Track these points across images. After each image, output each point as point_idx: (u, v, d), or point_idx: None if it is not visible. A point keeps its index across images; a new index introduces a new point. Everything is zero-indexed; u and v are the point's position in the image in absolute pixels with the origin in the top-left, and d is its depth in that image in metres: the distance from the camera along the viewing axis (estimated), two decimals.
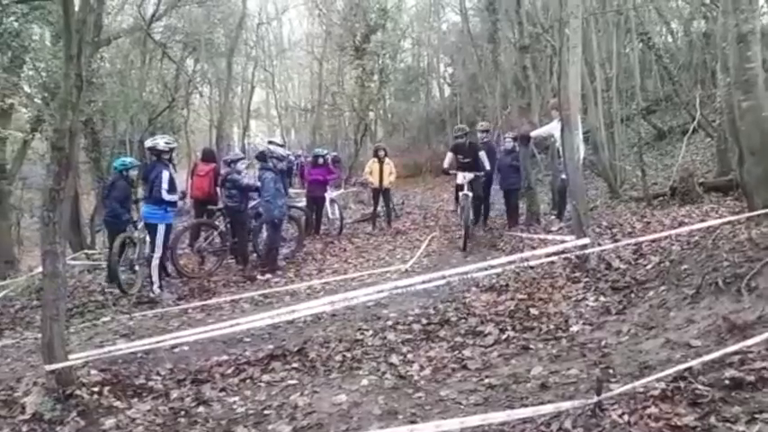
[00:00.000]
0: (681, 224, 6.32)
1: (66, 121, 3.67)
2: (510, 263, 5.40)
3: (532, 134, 9.52)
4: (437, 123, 24.03)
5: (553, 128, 8.59)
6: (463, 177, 9.03)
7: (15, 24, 12.19)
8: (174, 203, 7.48)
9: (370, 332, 4.79)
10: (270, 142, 9.20)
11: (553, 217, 9.33)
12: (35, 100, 13.88)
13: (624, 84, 12.74)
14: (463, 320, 4.79)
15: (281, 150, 8.80)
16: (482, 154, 9.27)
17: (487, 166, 9.28)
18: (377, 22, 19.87)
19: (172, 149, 7.62)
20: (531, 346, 4.05)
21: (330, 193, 11.32)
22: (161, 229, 7.34)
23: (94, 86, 13.06)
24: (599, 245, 5.66)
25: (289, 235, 9.60)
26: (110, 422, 3.57)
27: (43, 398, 3.75)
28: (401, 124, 27.19)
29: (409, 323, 4.91)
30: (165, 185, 7.25)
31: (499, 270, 5.51)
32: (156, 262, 7.33)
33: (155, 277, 7.32)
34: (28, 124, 15.45)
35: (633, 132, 12.20)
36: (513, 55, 14.02)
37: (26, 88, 13.86)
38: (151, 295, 7.16)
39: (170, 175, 7.37)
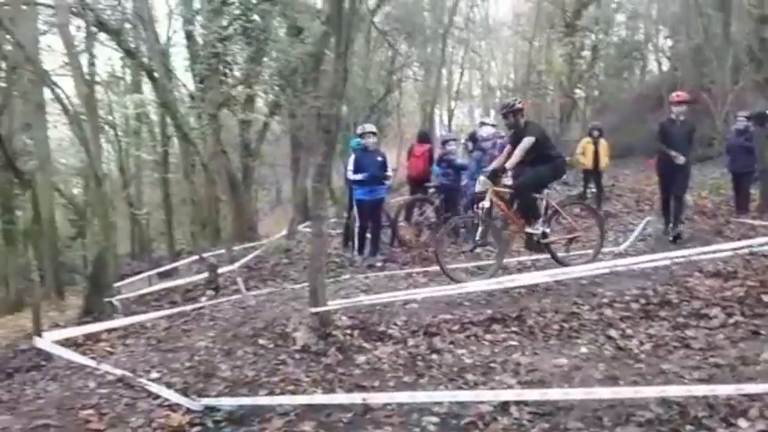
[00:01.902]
0: None
1: (333, 108, 4.42)
2: (739, 248, 5.18)
3: None
4: (653, 100, 22.41)
5: None
6: (479, 183, 6.62)
7: (260, 20, 14.03)
8: (356, 182, 8.23)
9: (587, 307, 4.97)
10: (482, 123, 9.63)
11: None
12: (274, 87, 15.82)
13: None
14: (685, 303, 4.76)
15: (485, 130, 9.19)
16: (527, 140, 6.37)
17: (516, 158, 6.37)
18: None
19: (361, 134, 8.47)
20: (763, 332, 3.96)
21: None
22: (355, 202, 8.34)
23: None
24: None
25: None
26: (361, 359, 4.29)
27: (309, 334, 4.61)
28: (611, 102, 25.85)
29: (626, 302, 4.99)
30: (349, 167, 8.28)
31: (726, 255, 5.30)
32: (354, 230, 8.41)
33: (355, 242, 8.39)
34: (266, 108, 17.74)
35: None
36: (747, 24, 12.64)
37: (265, 76, 15.88)
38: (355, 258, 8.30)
39: (355, 158, 8.24)
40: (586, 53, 20.20)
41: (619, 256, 7.20)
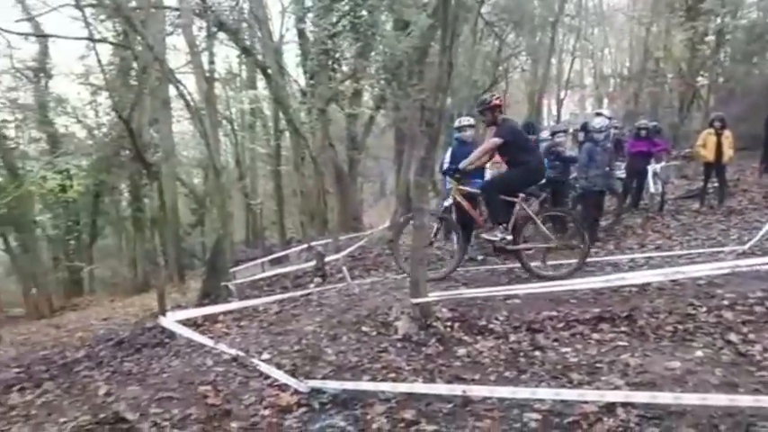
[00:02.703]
0: None
1: (437, 102, 4.44)
2: None
3: None
4: None
5: None
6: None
7: (368, 15, 14.27)
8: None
9: (704, 309, 4.68)
10: (597, 114, 9.28)
11: None
12: (380, 81, 16.06)
13: None
14: None
15: (598, 121, 8.81)
16: (492, 142, 6.27)
17: (472, 158, 6.41)
18: None
19: (459, 127, 8.25)
20: None
21: (653, 166, 10.79)
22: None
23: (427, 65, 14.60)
24: None
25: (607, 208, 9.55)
26: (462, 351, 4.31)
27: (410, 324, 4.70)
28: (738, 89, 23.87)
29: (750, 305, 4.64)
30: (446, 158, 8.02)
31: None
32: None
33: (450, 234, 8.22)
34: (372, 102, 18.07)
35: None
36: None
37: (371, 71, 16.16)
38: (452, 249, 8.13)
39: (452, 150, 8.10)
40: (710, 38, 18.77)
41: (743, 255, 6.68)
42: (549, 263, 6.53)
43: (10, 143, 19.49)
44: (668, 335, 4.29)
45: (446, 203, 6.43)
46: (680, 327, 4.38)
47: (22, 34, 14.40)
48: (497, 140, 6.08)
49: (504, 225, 6.19)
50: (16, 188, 14.98)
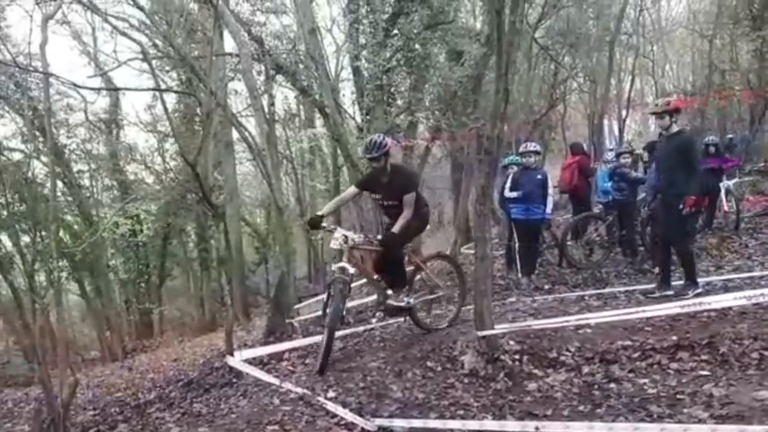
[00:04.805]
0: None
1: (495, 130, 4.40)
2: None
3: None
4: None
5: None
6: (343, 239, 5.22)
7: (421, 49, 14.43)
8: (512, 200, 8.13)
9: None
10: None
11: None
12: (434, 112, 16.13)
13: None
14: None
15: None
16: (410, 199, 5.30)
17: (405, 222, 5.27)
18: None
19: (522, 153, 8.35)
20: None
21: (726, 183, 10.29)
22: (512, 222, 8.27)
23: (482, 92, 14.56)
24: None
25: None
26: (532, 386, 4.16)
27: (477, 358, 4.59)
28: None
29: None
30: (506, 184, 8.20)
31: None
32: (516, 251, 8.21)
33: (516, 263, 8.18)
34: (428, 133, 18.12)
35: None
36: None
37: (426, 102, 16.25)
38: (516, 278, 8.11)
39: (513, 176, 8.23)
40: None
41: None
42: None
43: (85, 192, 20.57)
44: (754, 363, 4.03)
45: (348, 268, 5.21)
46: (766, 353, 4.10)
47: (94, 89, 15.30)
48: (413, 195, 5.36)
49: (408, 287, 5.73)
50: (91, 235, 15.72)
